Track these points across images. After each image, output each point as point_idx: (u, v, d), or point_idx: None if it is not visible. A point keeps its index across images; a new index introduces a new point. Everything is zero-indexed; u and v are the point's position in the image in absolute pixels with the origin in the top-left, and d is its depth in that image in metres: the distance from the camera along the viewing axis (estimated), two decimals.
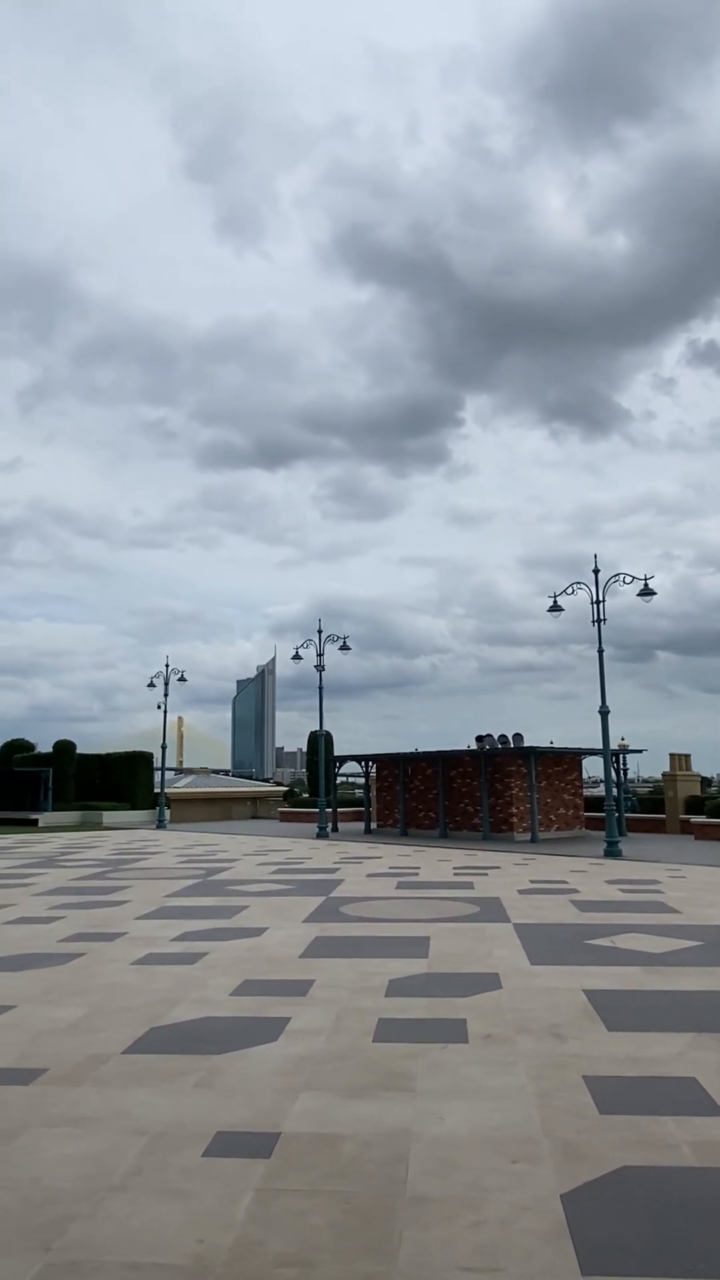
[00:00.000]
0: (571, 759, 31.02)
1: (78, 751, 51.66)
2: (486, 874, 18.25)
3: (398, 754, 33.61)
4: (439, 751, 31.70)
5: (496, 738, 30.78)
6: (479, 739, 31.06)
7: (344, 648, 34.26)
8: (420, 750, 33.12)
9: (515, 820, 28.82)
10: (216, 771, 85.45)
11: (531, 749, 29.04)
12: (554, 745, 30.11)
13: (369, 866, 20.26)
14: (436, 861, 21.45)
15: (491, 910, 12.96)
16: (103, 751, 55.38)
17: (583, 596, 25.30)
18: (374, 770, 35.78)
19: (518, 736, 30.55)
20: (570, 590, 25.69)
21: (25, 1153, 4.59)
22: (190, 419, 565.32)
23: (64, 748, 50.93)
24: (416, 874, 18.51)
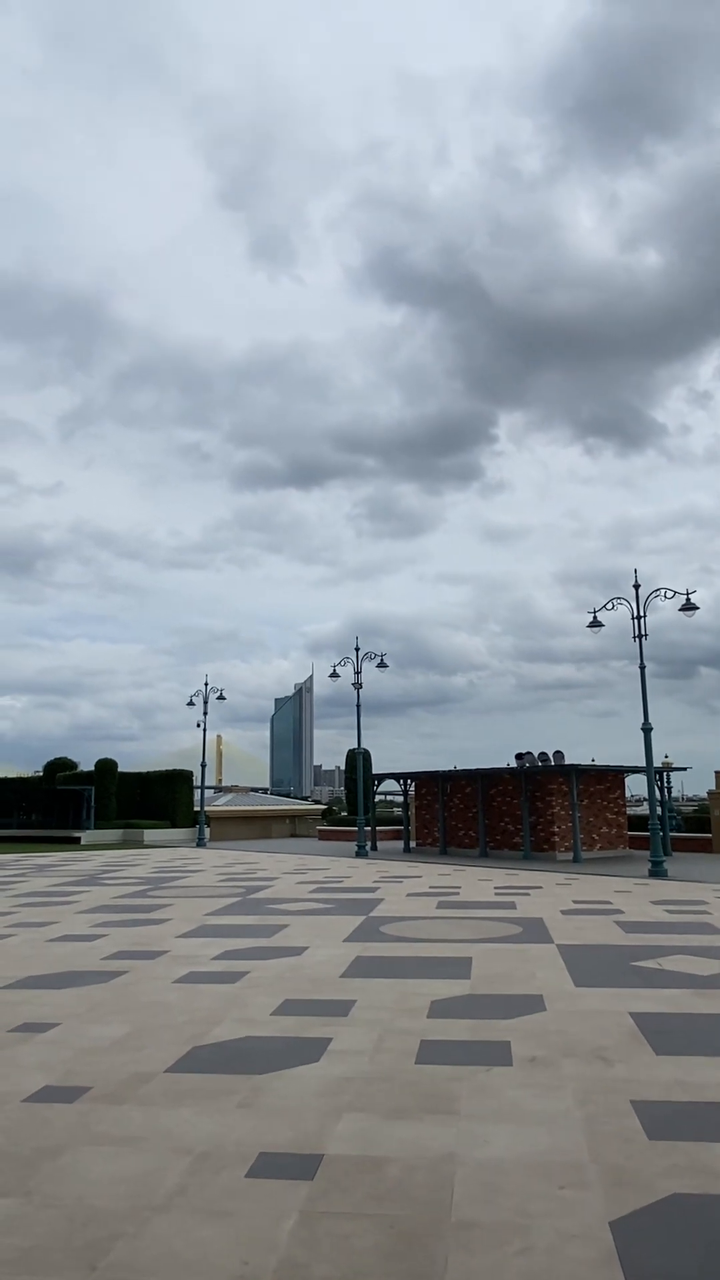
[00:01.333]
0: (614, 777, 30.61)
1: (119, 770, 52.15)
2: (528, 894, 18.04)
3: (436, 772, 33.43)
4: (478, 769, 31.47)
5: (537, 755, 30.50)
6: (519, 757, 30.80)
7: (381, 665, 34.25)
8: (459, 768, 32.92)
9: (557, 839, 28.47)
10: (255, 790, 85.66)
11: (573, 767, 28.70)
12: (596, 763, 29.74)
13: (409, 886, 20.14)
14: (477, 881, 21.26)
15: (534, 931, 12.80)
16: (143, 770, 55.85)
17: (623, 612, 25.08)
18: (413, 788, 35.63)
19: (558, 754, 30.23)
20: (610, 605, 25.46)
21: (70, 1171, 4.61)
22: (225, 441, 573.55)
23: (105, 766, 51.44)
24: (457, 893, 18.35)
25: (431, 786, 33.94)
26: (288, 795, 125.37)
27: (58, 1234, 3.93)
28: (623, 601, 25.07)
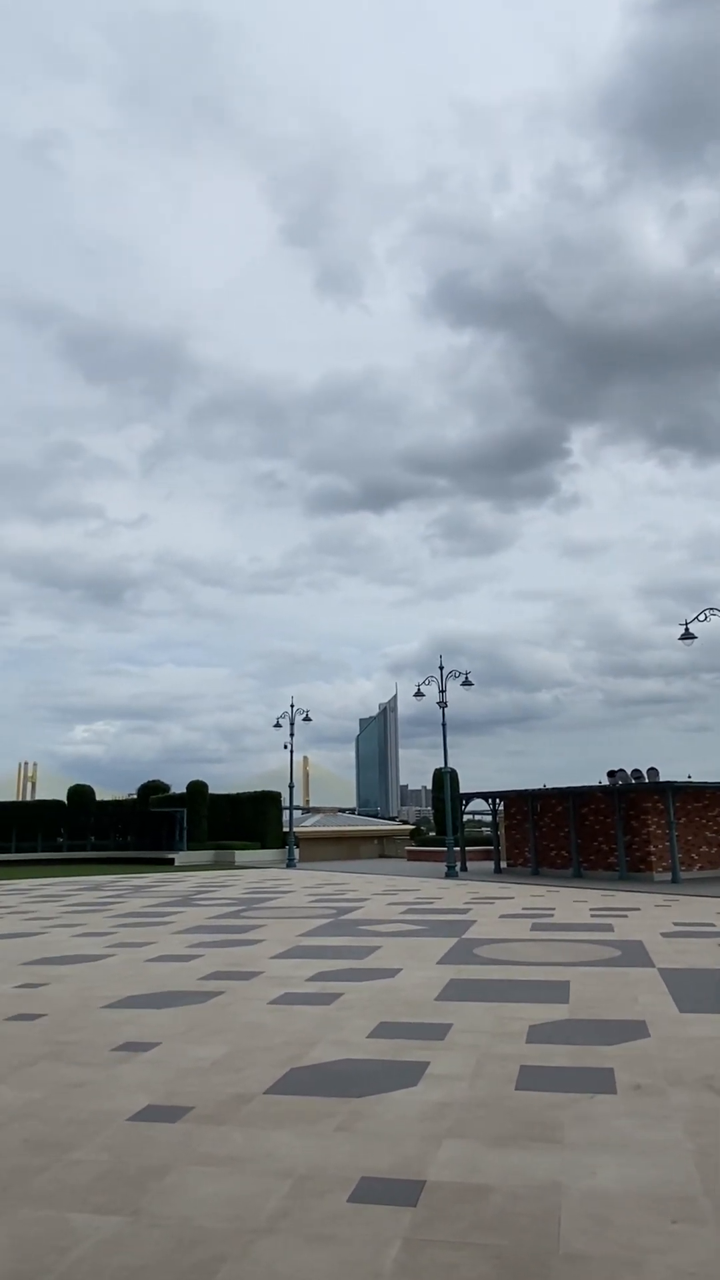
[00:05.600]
0: (713, 794, 29.59)
1: (209, 792, 53.01)
2: (626, 916, 17.55)
3: (526, 791, 32.92)
4: (569, 788, 30.86)
5: (630, 773, 29.75)
6: (611, 774, 30.10)
7: (466, 683, 34.02)
8: (549, 786, 32.34)
9: (654, 859, 27.65)
10: (342, 810, 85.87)
11: (669, 784, 27.86)
12: (693, 780, 28.82)
13: (501, 907, 19.84)
14: (572, 902, 20.80)
15: (634, 954, 12.43)
16: (232, 791, 56.71)
17: (715, 624, 24.35)
18: (502, 808, 35.15)
19: (652, 771, 29.43)
20: (704, 617, 24.76)
21: (174, 1191, 4.66)
22: (299, 468, 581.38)
23: (197, 788, 52.38)
24: (551, 915, 17.99)
25: (521, 806, 33.44)
26: (374, 815, 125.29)
27: (165, 1254, 3.98)
28: (715, 613, 24.35)
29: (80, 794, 57.72)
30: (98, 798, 59.60)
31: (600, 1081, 6.39)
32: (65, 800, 57.60)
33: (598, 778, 30.54)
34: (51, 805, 58.12)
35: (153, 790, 57.25)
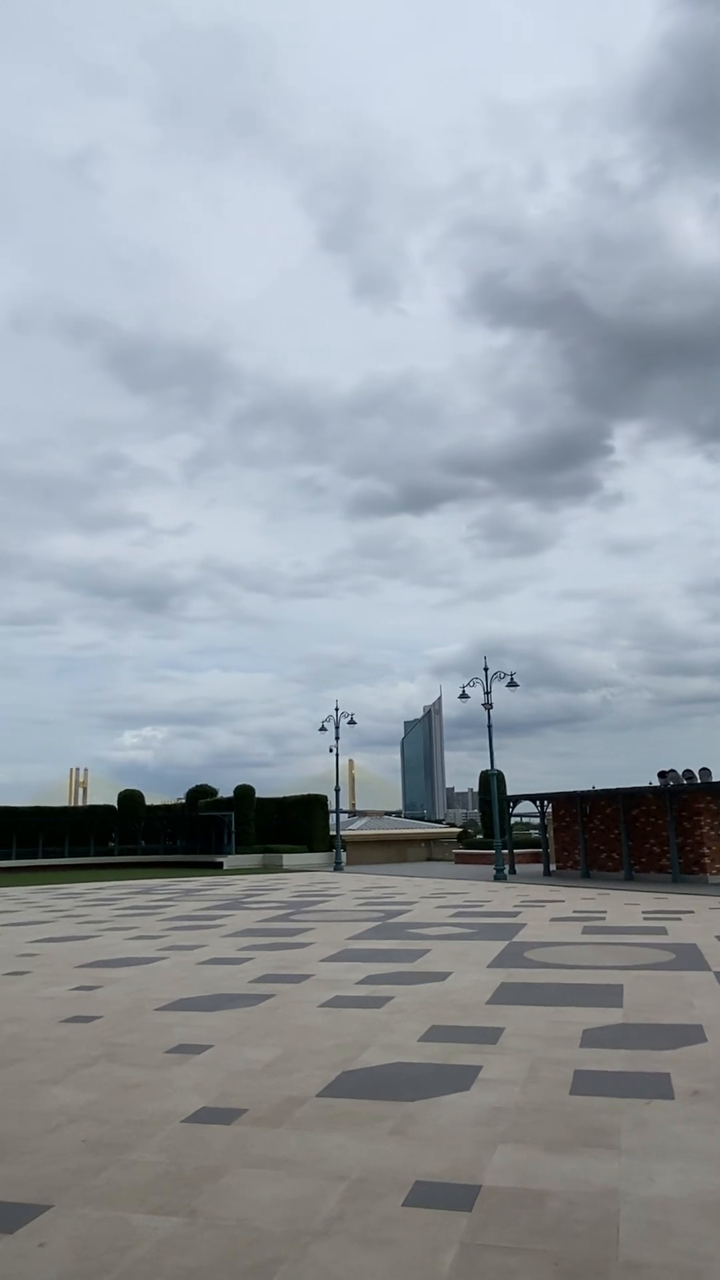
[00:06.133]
0: None
1: (256, 796, 53.29)
2: (679, 919, 17.27)
3: (575, 792, 32.59)
4: (619, 789, 30.48)
5: (681, 773, 29.28)
6: (662, 775, 29.66)
7: (512, 684, 33.78)
8: (598, 788, 31.97)
9: (707, 861, 27.17)
10: (388, 813, 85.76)
11: None
12: None
13: (551, 910, 19.65)
14: (623, 905, 20.52)
15: (688, 957, 12.23)
16: (279, 795, 56.91)
17: None
18: (550, 810, 34.83)
19: (704, 771, 28.94)
20: None
21: (230, 1193, 4.69)
22: (339, 473, 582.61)
23: (244, 792, 52.70)
24: (603, 918, 17.77)
25: (570, 808, 33.10)
26: (421, 818, 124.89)
27: (222, 1255, 4.00)
28: None
29: (130, 799, 58.50)
30: (147, 802, 60.36)
31: (657, 1087, 6.29)
32: (116, 805, 58.43)
33: (648, 779, 30.14)
34: (102, 810, 58.99)
35: (201, 795, 57.79)
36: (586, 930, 15.65)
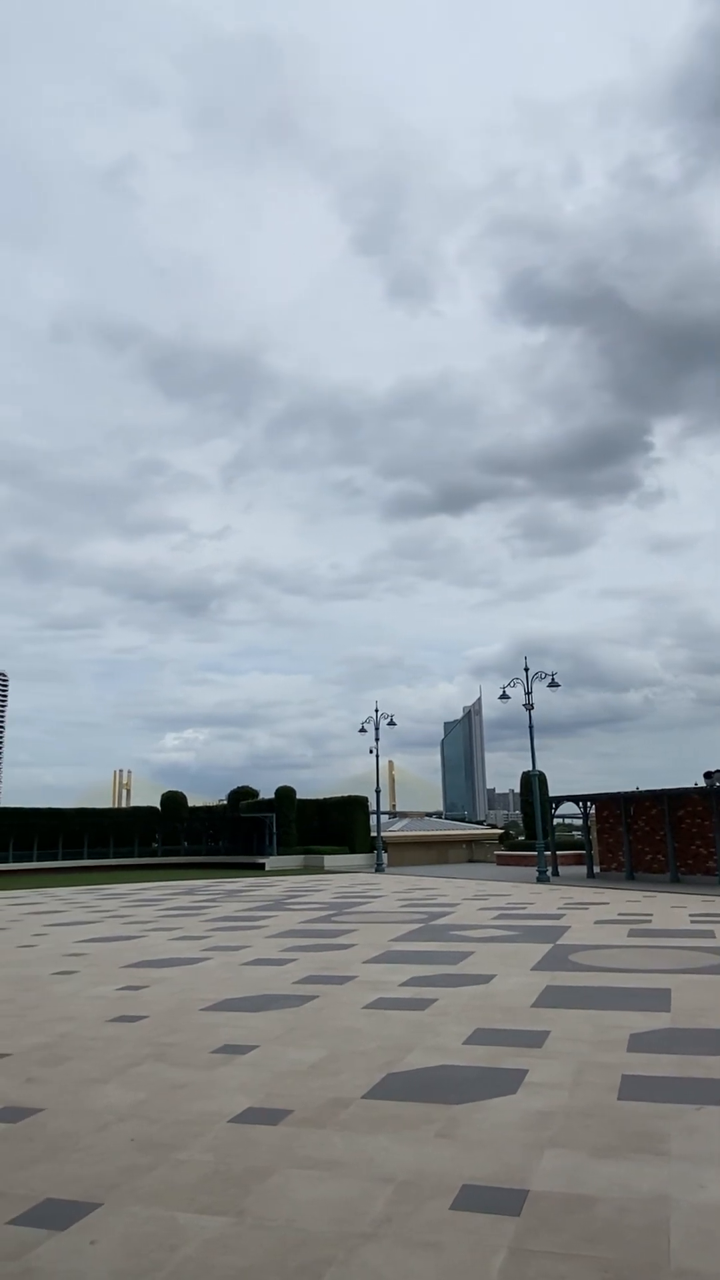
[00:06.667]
0: None
1: (297, 797, 53.50)
2: None
3: (618, 794, 32.24)
4: (664, 790, 30.08)
5: None
6: (708, 775, 29.24)
7: (553, 684, 33.50)
8: (642, 789, 31.59)
9: None
10: (429, 814, 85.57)
11: None
12: None
13: (596, 913, 19.45)
14: (670, 908, 20.25)
15: None
16: (320, 796, 57.10)
17: None
18: (593, 811, 34.49)
19: None
20: None
21: (278, 1193, 4.71)
22: (375, 475, 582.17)
23: (285, 794, 52.95)
24: (649, 921, 17.55)
25: (613, 809, 32.74)
26: (462, 820, 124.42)
27: (271, 1255, 4.03)
28: None
29: (173, 800, 59.07)
30: (189, 804, 60.91)
31: (707, 1092, 6.20)
32: (159, 807, 59.04)
33: (693, 779, 29.76)
34: (146, 812, 59.66)
35: (242, 796, 58.15)
36: (632, 933, 15.47)
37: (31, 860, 50.67)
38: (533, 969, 11.69)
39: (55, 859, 51.66)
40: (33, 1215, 4.51)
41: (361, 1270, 3.87)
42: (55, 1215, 4.49)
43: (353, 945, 14.56)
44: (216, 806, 64.09)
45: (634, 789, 31.95)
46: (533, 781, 34.55)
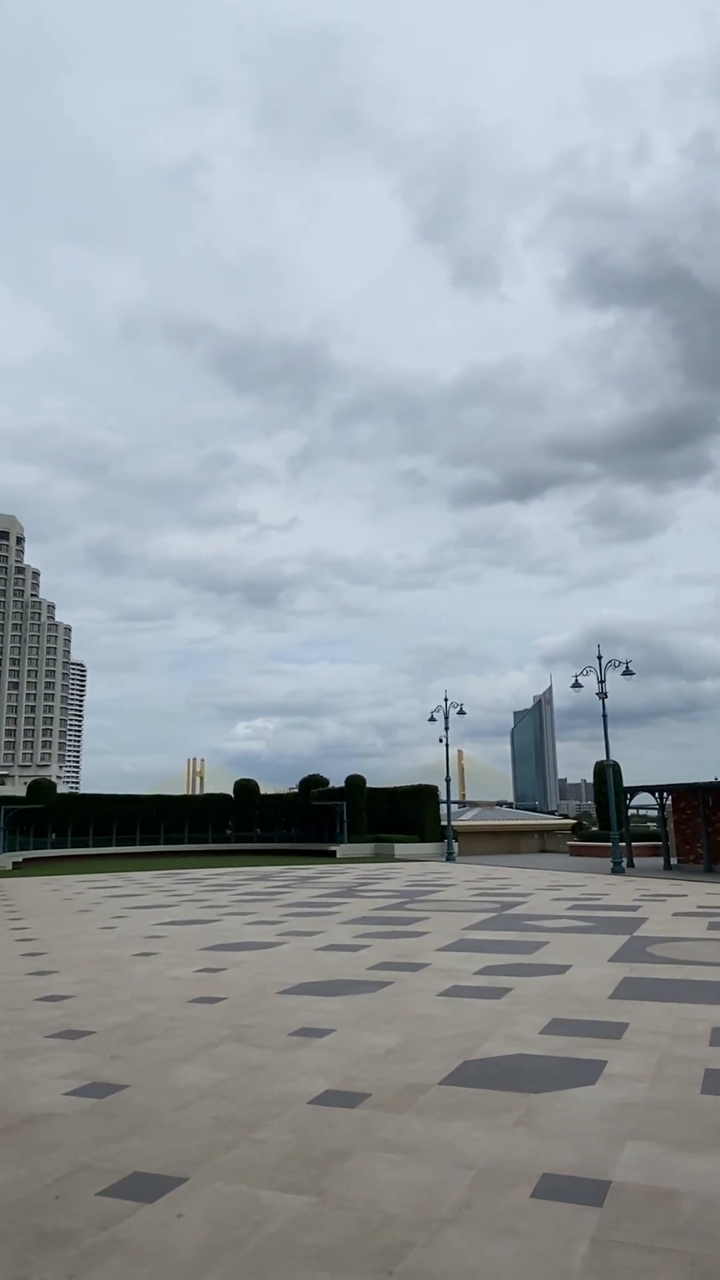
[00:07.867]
0: None
1: (367, 785, 53.71)
2: None
3: (697, 784, 31.52)
4: None
5: None
6: None
7: (627, 673, 32.89)
8: None
9: None
10: (499, 804, 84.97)
11: None
12: None
13: (673, 905, 19.08)
14: None
15: None
16: (390, 785, 57.19)
17: None
18: (670, 802, 33.79)
19: None
20: None
21: (358, 1175, 4.76)
22: (441, 463, 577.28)
23: (355, 782, 53.20)
24: None
25: (691, 800, 32.03)
26: (533, 810, 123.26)
27: (353, 1235, 4.07)
28: None
29: (246, 788, 59.93)
30: (261, 791, 61.73)
31: None
32: (232, 794, 59.99)
33: None
34: (219, 799, 60.69)
35: (313, 784, 58.65)
36: (712, 926, 15.13)
37: (111, 845, 52.08)
38: (609, 960, 11.53)
39: (133, 844, 53.00)
40: (121, 1188, 4.64)
41: (444, 1254, 3.89)
42: (143, 1188, 4.62)
43: (426, 933, 14.58)
44: (288, 794, 64.79)
45: (713, 779, 31.20)
46: (607, 771, 34.00)
